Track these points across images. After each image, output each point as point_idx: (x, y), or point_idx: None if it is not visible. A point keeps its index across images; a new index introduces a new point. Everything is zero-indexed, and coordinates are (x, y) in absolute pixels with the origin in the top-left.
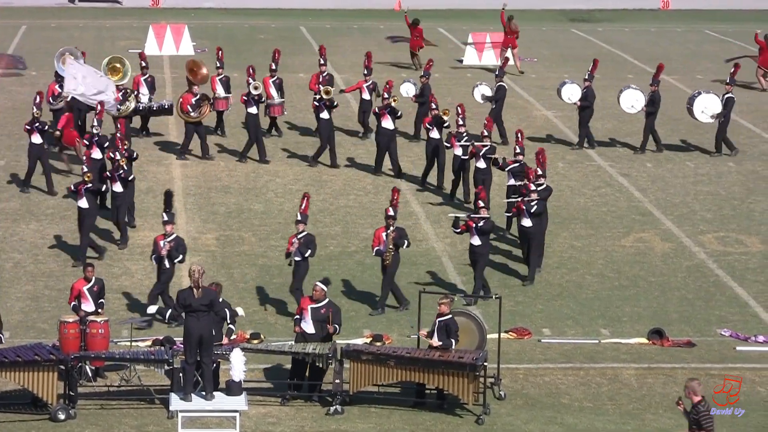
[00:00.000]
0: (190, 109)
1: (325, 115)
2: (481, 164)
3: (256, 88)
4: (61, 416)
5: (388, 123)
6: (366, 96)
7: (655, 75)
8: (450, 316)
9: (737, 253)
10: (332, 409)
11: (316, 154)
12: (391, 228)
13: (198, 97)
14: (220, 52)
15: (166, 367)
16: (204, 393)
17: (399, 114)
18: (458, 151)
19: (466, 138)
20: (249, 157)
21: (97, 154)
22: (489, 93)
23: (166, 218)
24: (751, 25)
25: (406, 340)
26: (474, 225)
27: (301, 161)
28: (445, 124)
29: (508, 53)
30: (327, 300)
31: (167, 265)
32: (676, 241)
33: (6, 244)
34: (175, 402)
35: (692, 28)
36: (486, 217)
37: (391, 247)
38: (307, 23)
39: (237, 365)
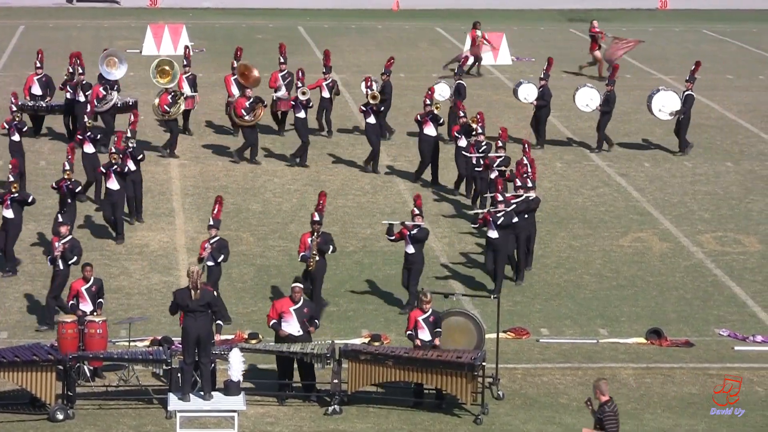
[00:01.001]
0: (245, 113)
1: (371, 120)
2: (495, 175)
3: (303, 93)
4: (60, 416)
5: (430, 130)
6: (326, 94)
7: (611, 75)
8: (431, 309)
9: (735, 252)
10: (330, 409)
11: (369, 161)
12: (317, 234)
13: (251, 100)
14: (187, 50)
15: (165, 367)
16: (202, 393)
17: (441, 121)
18: (475, 161)
19: (484, 147)
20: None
21: (129, 164)
22: (448, 91)
23: (60, 219)
24: (749, 25)
25: (405, 340)
26: (408, 233)
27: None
28: (474, 132)
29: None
30: (303, 299)
31: (61, 266)
32: (674, 240)
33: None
34: (174, 402)
35: (690, 28)
36: (419, 225)
37: (314, 252)
38: (305, 23)
39: (235, 365)
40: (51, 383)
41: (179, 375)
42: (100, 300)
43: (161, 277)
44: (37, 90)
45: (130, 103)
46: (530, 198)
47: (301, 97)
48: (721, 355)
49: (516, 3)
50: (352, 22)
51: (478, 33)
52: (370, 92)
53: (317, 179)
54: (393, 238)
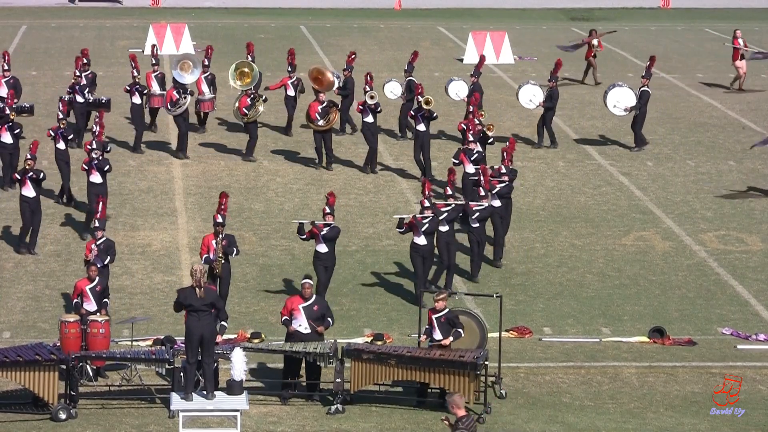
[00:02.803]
0: (318, 117)
1: (422, 126)
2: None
3: (372, 97)
4: (62, 416)
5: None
6: (291, 92)
7: (554, 71)
8: (447, 309)
9: (738, 251)
10: (333, 408)
11: (425, 169)
12: (221, 236)
13: (325, 104)
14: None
15: (167, 367)
16: (205, 392)
17: (490, 140)
18: (470, 169)
19: (476, 156)
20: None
21: (96, 177)
22: (400, 89)
23: None
24: (752, 24)
25: (407, 339)
26: (318, 232)
27: (303, 161)
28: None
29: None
30: (314, 296)
31: None
32: (677, 239)
33: (7, 243)
34: (176, 401)
35: (692, 27)
36: (330, 224)
37: (220, 255)
38: (308, 22)
39: (238, 364)
40: (54, 383)
41: (182, 374)
42: (106, 300)
43: (164, 277)
44: (3, 92)
45: (103, 101)
46: (481, 207)
47: (369, 102)
48: (724, 353)
49: (518, 2)
50: (354, 22)
51: (594, 42)
52: (421, 98)
53: (320, 179)
54: (304, 237)
